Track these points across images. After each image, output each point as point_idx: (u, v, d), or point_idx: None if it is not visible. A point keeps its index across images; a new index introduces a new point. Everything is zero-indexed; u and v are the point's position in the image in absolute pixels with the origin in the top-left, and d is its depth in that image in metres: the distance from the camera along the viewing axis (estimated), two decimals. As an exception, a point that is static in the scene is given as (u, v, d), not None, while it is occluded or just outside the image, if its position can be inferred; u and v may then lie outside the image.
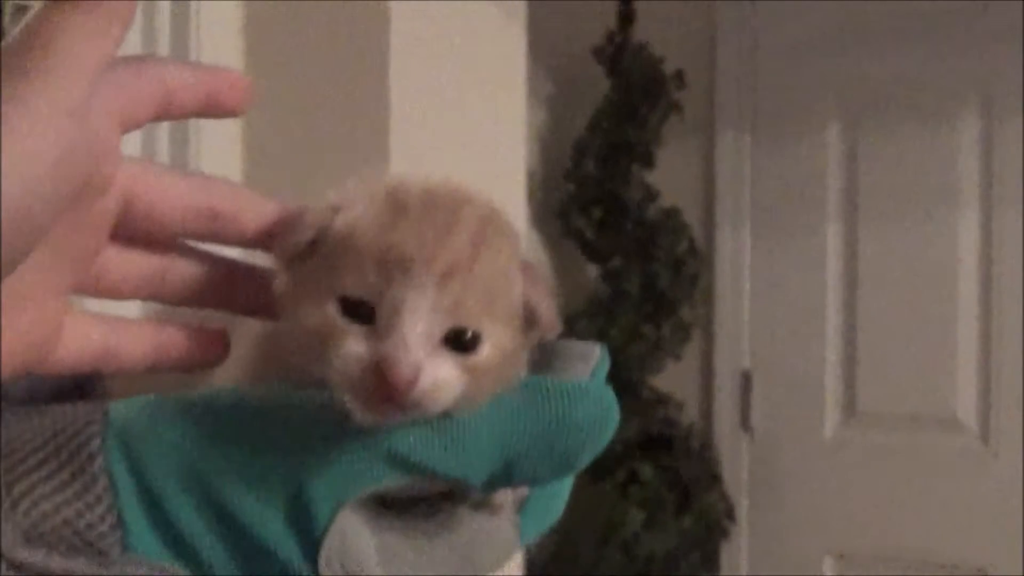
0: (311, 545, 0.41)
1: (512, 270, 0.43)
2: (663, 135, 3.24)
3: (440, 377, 0.40)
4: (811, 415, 3.29)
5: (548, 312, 0.45)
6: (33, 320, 0.39)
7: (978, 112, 3.12)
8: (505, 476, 0.43)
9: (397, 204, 0.41)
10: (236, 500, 0.41)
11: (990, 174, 3.10)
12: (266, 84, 1.80)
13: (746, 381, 3.37)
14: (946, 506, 3.13)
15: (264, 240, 0.44)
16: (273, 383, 0.43)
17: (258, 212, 0.43)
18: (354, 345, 0.40)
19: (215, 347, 0.44)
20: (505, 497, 0.45)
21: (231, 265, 0.45)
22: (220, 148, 1.76)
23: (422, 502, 0.44)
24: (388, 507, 0.43)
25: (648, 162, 3.22)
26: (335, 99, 1.78)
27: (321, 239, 0.42)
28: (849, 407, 3.26)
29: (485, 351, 0.42)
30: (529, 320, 0.44)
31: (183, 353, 0.43)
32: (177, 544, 0.41)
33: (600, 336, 3.10)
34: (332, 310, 0.41)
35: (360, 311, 0.41)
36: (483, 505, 0.45)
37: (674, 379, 3.28)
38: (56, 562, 0.40)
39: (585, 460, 0.43)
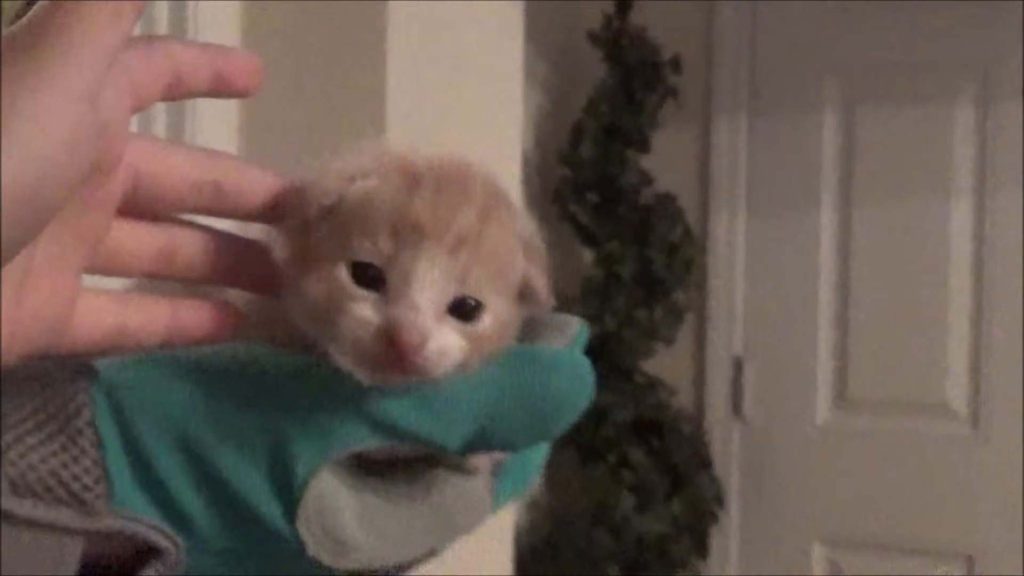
0: (291, 503, 0.42)
1: (514, 245, 0.45)
2: (659, 120, 3.24)
3: (445, 344, 0.42)
4: (803, 401, 3.30)
5: (544, 288, 0.46)
6: (46, 297, 0.39)
7: (974, 97, 3.13)
8: (482, 441, 0.44)
9: (411, 176, 0.43)
10: (220, 457, 0.42)
11: (984, 160, 3.11)
12: (263, 67, 1.80)
13: (738, 367, 3.38)
14: (936, 492, 3.15)
15: (267, 212, 0.44)
16: (260, 345, 0.43)
17: (260, 184, 0.44)
18: (364, 309, 0.41)
19: (229, 321, 0.44)
20: (481, 461, 0.46)
21: (237, 241, 0.45)
22: (216, 132, 1.77)
23: (400, 464, 0.45)
24: (367, 469, 0.44)
25: (644, 147, 3.23)
26: (332, 82, 1.78)
27: (335, 206, 0.43)
28: (840, 393, 3.27)
29: (486, 321, 0.43)
30: (524, 294, 0.46)
31: (198, 328, 0.43)
32: (161, 499, 0.42)
33: (594, 320, 3.10)
34: (343, 275, 0.42)
35: (370, 277, 0.42)
36: (460, 469, 0.46)
37: (666, 364, 3.29)
38: (42, 512, 0.40)
39: (561, 427, 0.45)
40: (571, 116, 3.25)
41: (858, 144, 3.25)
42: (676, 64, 3.22)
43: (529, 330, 0.46)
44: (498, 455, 0.47)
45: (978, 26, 3.11)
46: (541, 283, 0.46)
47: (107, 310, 0.42)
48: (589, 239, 3.23)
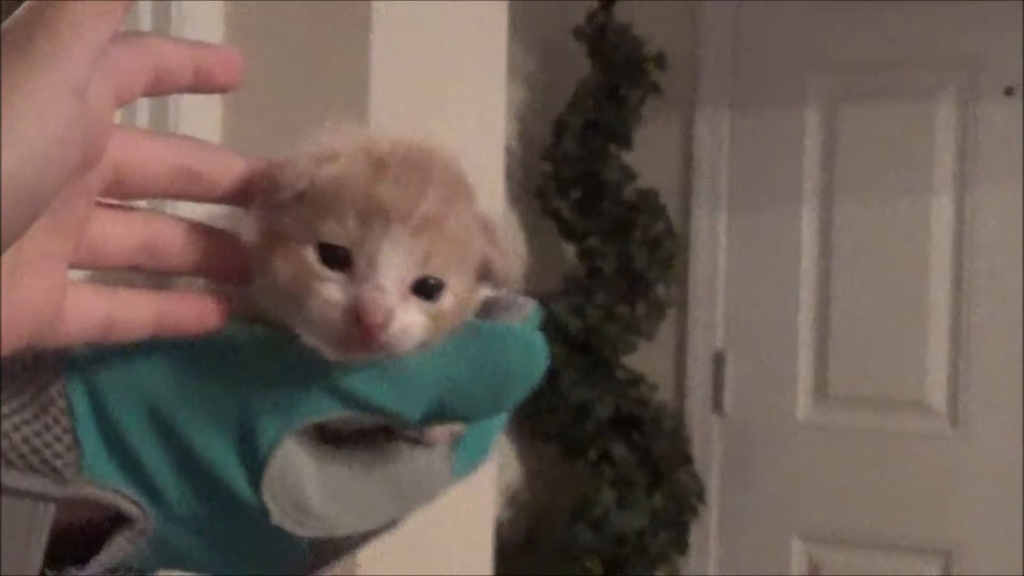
0: (255, 471, 0.44)
1: (473, 227, 0.46)
2: (642, 116, 3.25)
3: (409, 322, 0.43)
4: (783, 397, 3.31)
5: (505, 267, 0.47)
6: (36, 290, 0.40)
7: (955, 95, 3.15)
8: (440, 412, 0.45)
9: (377, 161, 0.44)
10: (187, 426, 0.44)
11: (965, 158, 3.13)
12: (248, 63, 1.80)
13: (719, 362, 3.39)
14: (914, 489, 3.16)
15: (238, 195, 0.45)
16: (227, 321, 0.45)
17: (231, 169, 0.45)
18: (331, 289, 0.43)
19: (214, 312, 0.44)
20: (439, 434, 0.48)
21: (214, 233, 0.46)
22: (200, 125, 1.76)
23: (361, 437, 0.47)
24: (329, 440, 0.46)
25: (627, 143, 3.23)
26: (315, 77, 1.78)
27: (304, 190, 0.44)
28: (821, 390, 3.28)
29: (448, 300, 0.45)
30: (484, 273, 0.47)
31: (183, 319, 0.44)
32: (130, 467, 0.44)
33: (575, 315, 3.11)
34: (311, 256, 0.43)
35: (336, 258, 0.43)
36: (419, 440, 0.47)
37: (648, 359, 3.30)
38: (13, 479, 0.42)
39: (515, 399, 0.47)
40: (554, 111, 3.26)
41: (840, 141, 3.26)
42: (660, 61, 3.23)
43: (486, 310, 0.48)
44: (455, 428, 0.48)
45: (960, 25, 3.12)
46: (500, 263, 0.47)
47: (94, 303, 0.42)
48: (571, 234, 3.24)
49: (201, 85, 0.43)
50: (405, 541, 1.88)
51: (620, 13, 3.24)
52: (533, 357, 0.46)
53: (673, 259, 3.25)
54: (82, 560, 0.45)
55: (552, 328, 3.12)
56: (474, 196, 0.47)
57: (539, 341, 0.46)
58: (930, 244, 3.15)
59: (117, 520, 0.45)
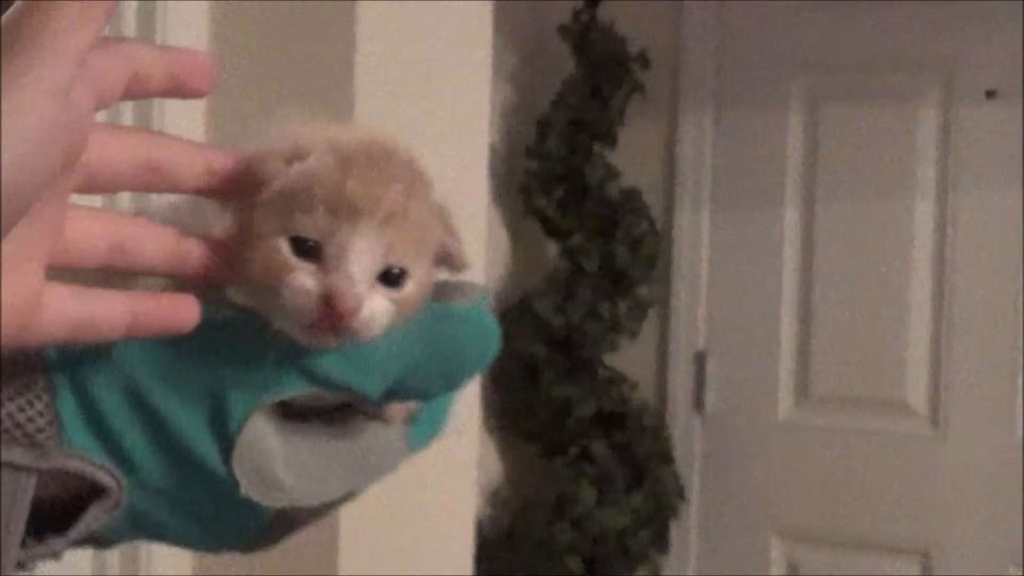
0: (227, 445, 0.47)
1: (432, 216, 0.50)
2: (626, 115, 3.25)
3: (376, 308, 0.46)
4: (764, 396, 3.32)
5: (461, 254, 0.51)
6: (15, 289, 0.41)
7: (937, 97, 3.16)
8: (400, 390, 0.49)
9: (344, 158, 0.47)
10: (163, 402, 0.47)
11: (947, 159, 3.14)
12: (232, 63, 1.80)
13: (701, 362, 3.40)
14: (894, 489, 3.18)
15: (203, 187, 0.46)
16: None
17: (195, 162, 0.46)
18: (304, 278, 0.46)
19: (187, 312, 0.45)
20: (396, 410, 0.51)
21: (184, 233, 0.47)
22: (183, 126, 1.76)
23: (323, 413, 0.50)
24: (294, 416, 0.49)
25: (610, 142, 3.24)
26: (300, 76, 1.78)
27: (277, 186, 0.47)
28: (802, 389, 3.29)
29: (410, 287, 0.48)
30: (442, 259, 0.51)
31: (158, 320, 0.45)
32: (107, 441, 0.47)
33: (558, 313, 3.11)
34: (284, 247, 0.46)
35: (308, 249, 0.46)
36: (377, 417, 0.51)
37: (629, 358, 3.31)
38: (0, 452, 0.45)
39: (469, 376, 0.50)
40: (538, 110, 3.26)
41: (822, 142, 3.27)
42: (644, 60, 3.24)
43: (438, 293, 0.50)
44: (411, 405, 0.52)
45: (942, 27, 3.13)
46: (456, 249, 0.51)
47: (70, 304, 0.43)
48: (554, 232, 3.24)
49: (175, 90, 0.45)
50: (386, 538, 1.89)
51: (604, 12, 3.24)
52: (486, 336, 0.50)
53: (656, 258, 3.26)
54: (59, 531, 0.48)
55: (534, 326, 3.13)
56: (431, 187, 0.50)
57: (491, 321, 0.50)
58: (911, 245, 3.17)
59: (92, 492, 0.47)
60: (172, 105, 1.73)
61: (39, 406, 0.45)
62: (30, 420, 0.45)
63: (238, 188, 0.46)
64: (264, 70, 1.80)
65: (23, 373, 0.46)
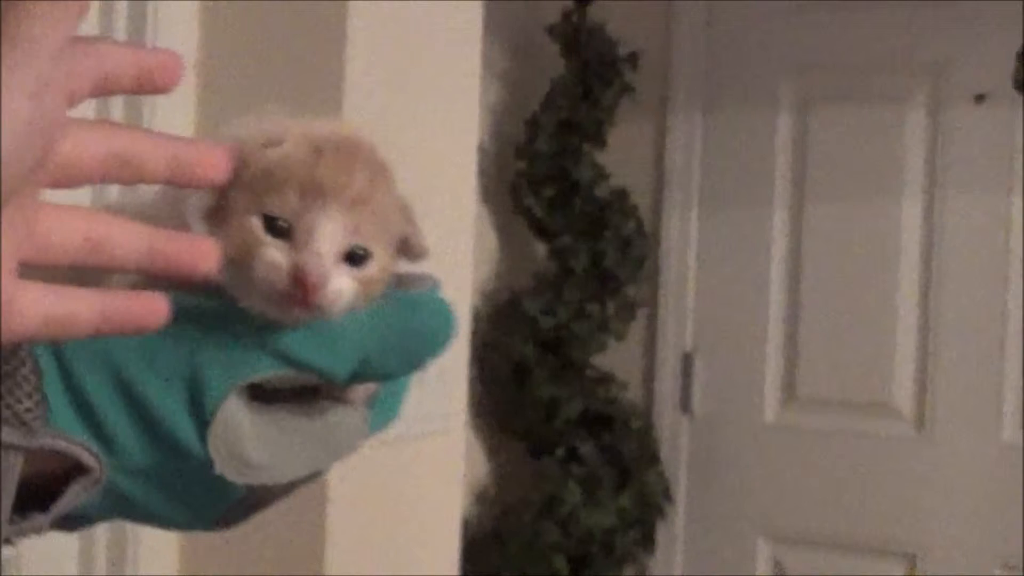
0: (203, 425, 0.50)
1: (394, 205, 0.54)
2: (615, 116, 3.26)
3: (341, 285, 0.50)
4: (751, 398, 3.33)
5: (420, 242, 0.55)
6: None
7: (925, 100, 3.17)
8: (364, 372, 0.52)
9: (316, 146, 0.51)
10: (143, 385, 0.50)
11: (934, 162, 3.15)
12: (223, 62, 1.80)
13: (688, 363, 3.40)
14: (880, 491, 3.18)
15: (169, 176, 0.47)
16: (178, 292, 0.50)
17: (163, 151, 0.46)
18: (275, 254, 0.50)
19: (157, 310, 0.46)
20: (359, 392, 0.55)
21: (156, 228, 0.47)
22: (173, 124, 1.76)
23: (291, 395, 0.53)
24: (263, 398, 0.52)
25: (600, 142, 3.24)
26: (290, 73, 1.78)
27: (251, 168, 0.51)
28: (789, 391, 3.30)
29: (373, 267, 0.52)
30: (403, 248, 0.55)
31: (128, 318, 0.45)
32: (90, 421, 0.49)
33: (546, 313, 3.12)
34: (257, 225, 0.50)
35: (278, 228, 0.50)
36: (340, 398, 0.54)
37: (617, 358, 3.31)
38: None
39: (430, 358, 0.53)
40: (528, 110, 3.26)
41: (811, 144, 3.27)
42: (633, 61, 3.24)
43: (396, 284, 0.54)
44: (370, 388, 0.55)
45: (930, 30, 3.14)
46: (416, 239, 0.55)
47: (42, 302, 0.43)
48: (543, 232, 3.25)
49: (142, 87, 0.45)
50: (373, 536, 1.89)
51: (594, 13, 3.24)
52: (445, 322, 0.53)
53: (644, 259, 3.26)
54: (42, 509, 0.50)
55: (522, 326, 3.13)
56: (394, 181, 0.54)
57: (448, 309, 0.54)
58: (899, 248, 3.17)
59: (73, 470, 0.49)
60: (162, 102, 1.73)
61: (28, 388, 0.48)
62: (19, 401, 0.47)
63: (206, 176, 0.47)
64: (254, 69, 1.80)
65: (12, 357, 0.48)
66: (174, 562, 1.81)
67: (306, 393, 0.53)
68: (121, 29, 1.72)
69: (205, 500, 0.53)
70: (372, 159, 0.53)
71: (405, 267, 0.56)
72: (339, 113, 1.73)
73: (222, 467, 0.51)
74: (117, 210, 0.52)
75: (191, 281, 0.47)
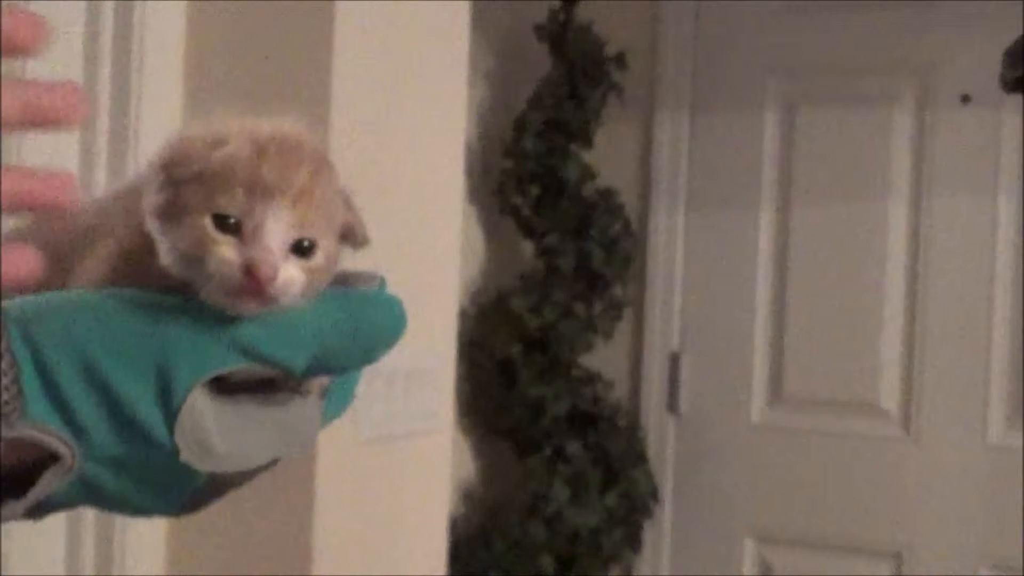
0: (171, 416, 0.53)
1: (336, 197, 0.57)
2: (602, 115, 3.26)
3: (290, 276, 0.53)
4: (738, 398, 3.33)
5: (363, 230, 0.58)
6: None
7: (912, 101, 3.17)
8: (320, 365, 0.56)
9: (260, 146, 0.54)
10: (114, 376, 0.52)
11: (921, 163, 3.16)
12: (210, 63, 1.80)
13: (675, 362, 3.40)
14: (866, 491, 3.19)
15: (23, 120, 0.47)
16: (145, 289, 0.54)
17: (17, 95, 0.47)
18: (226, 250, 0.53)
19: (26, 263, 0.47)
20: (313, 384, 0.58)
21: (35, 172, 0.49)
22: (161, 131, 1.76)
23: (251, 387, 0.56)
24: (226, 390, 0.55)
25: (587, 142, 3.24)
26: (277, 74, 1.78)
27: (201, 169, 0.54)
28: (775, 391, 3.30)
29: (319, 257, 0.55)
30: (346, 236, 0.58)
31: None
32: (64, 411, 0.51)
33: (533, 313, 3.12)
34: (208, 224, 0.53)
35: (229, 225, 0.53)
36: (297, 391, 0.57)
37: (604, 358, 3.31)
38: None
39: (382, 352, 0.57)
40: (515, 109, 3.26)
41: (798, 145, 3.28)
42: (621, 60, 3.24)
43: (342, 281, 0.58)
44: (323, 380, 0.58)
45: (918, 31, 3.15)
46: (358, 227, 0.58)
47: None
48: (530, 232, 3.25)
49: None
50: (360, 536, 1.89)
51: (581, 12, 3.25)
52: (396, 317, 0.57)
53: (631, 259, 3.27)
54: (13, 496, 0.53)
55: (509, 325, 3.13)
56: (336, 172, 0.57)
57: (399, 305, 0.58)
58: (885, 248, 3.18)
59: (47, 459, 0.52)
60: (148, 106, 1.73)
61: (5, 382, 0.50)
62: None
63: (58, 119, 0.47)
64: (241, 69, 1.79)
65: None
66: (161, 561, 1.81)
67: (265, 385, 0.56)
68: (108, 29, 1.71)
69: (171, 487, 0.56)
70: (314, 155, 0.56)
71: (352, 265, 0.59)
72: (327, 113, 1.73)
73: (188, 456, 0.53)
74: (99, 209, 0.59)
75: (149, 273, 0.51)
